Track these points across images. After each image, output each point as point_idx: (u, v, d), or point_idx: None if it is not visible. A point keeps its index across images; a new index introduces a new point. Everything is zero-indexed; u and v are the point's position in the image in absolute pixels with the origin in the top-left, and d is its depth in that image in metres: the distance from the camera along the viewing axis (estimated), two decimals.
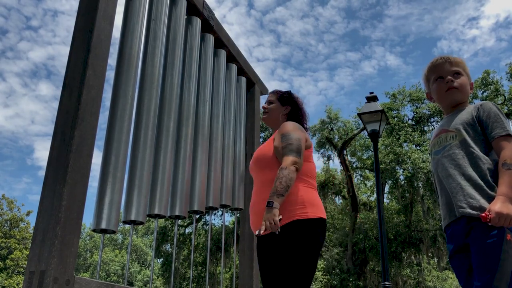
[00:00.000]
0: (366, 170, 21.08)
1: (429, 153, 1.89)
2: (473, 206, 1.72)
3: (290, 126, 2.46)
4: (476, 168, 1.79)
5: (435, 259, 19.60)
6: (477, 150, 1.81)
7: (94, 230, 2.23)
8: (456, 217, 1.79)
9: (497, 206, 1.63)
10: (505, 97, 18.93)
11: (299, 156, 2.28)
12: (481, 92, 19.58)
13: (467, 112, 1.92)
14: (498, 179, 1.72)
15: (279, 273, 2.14)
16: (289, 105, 2.76)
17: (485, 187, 1.74)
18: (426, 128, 19.83)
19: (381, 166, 16.35)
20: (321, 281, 16.33)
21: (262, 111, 2.78)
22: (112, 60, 3.08)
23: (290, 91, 2.86)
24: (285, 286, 2.09)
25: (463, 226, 1.76)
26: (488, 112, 1.85)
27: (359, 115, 8.38)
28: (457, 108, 2.01)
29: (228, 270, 21.01)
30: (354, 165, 20.98)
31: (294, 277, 2.08)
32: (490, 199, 1.71)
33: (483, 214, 1.65)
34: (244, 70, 3.86)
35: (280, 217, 2.16)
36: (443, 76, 2.02)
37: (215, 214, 19.14)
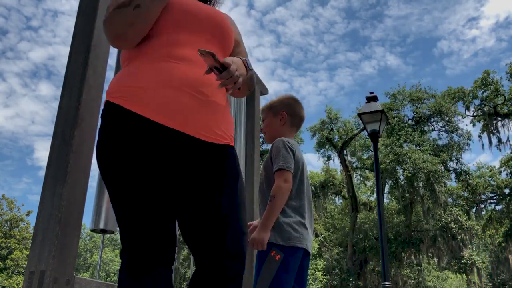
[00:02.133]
0: (366, 170, 21.09)
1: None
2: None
3: None
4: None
5: (435, 259, 19.60)
6: (266, 190, 2.07)
7: (93, 230, 2.23)
8: None
9: (254, 233, 1.94)
10: (505, 97, 18.93)
11: None
12: (481, 92, 19.58)
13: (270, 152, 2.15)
14: None
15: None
16: None
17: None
18: (426, 128, 19.84)
19: (381, 166, 16.36)
20: (321, 281, 16.33)
21: None
22: (112, 60, 3.08)
23: None
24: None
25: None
26: (274, 149, 2.07)
27: (359, 115, 8.38)
28: None
29: None
30: (354, 165, 20.99)
31: None
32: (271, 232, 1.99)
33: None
34: None
35: None
36: None
37: None
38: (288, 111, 2.23)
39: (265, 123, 2.29)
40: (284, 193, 1.95)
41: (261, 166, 2.19)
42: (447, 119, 19.35)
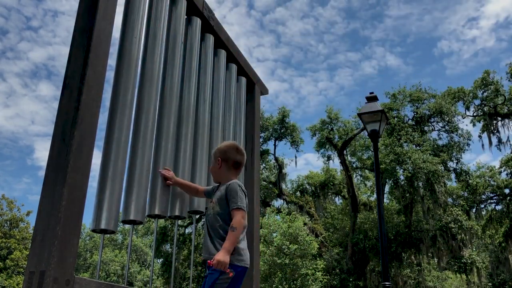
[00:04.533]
0: (366, 170, 21.07)
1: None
2: (210, 255, 2.51)
3: None
4: (219, 233, 2.53)
5: (435, 259, 19.59)
6: (221, 220, 2.56)
7: (93, 230, 2.23)
8: (204, 258, 2.58)
9: (219, 256, 2.38)
10: (505, 97, 18.92)
11: None
12: (481, 92, 19.57)
13: (223, 189, 2.62)
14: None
15: None
16: None
17: (221, 246, 2.49)
18: (426, 128, 19.83)
19: (381, 166, 16.34)
20: (321, 281, 16.32)
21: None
22: (112, 60, 3.08)
23: None
24: None
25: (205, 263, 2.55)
26: (230, 190, 2.58)
27: (359, 115, 8.37)
28: (220, 184, 2.73)
29: None
30: (354, 165, 20.97)
31: None
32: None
33: (209, 261, 2.42)
34: (244, 70, 3.86)
35: None
36: None
37: None
38: (222, 157, 2.71)
39: (210, 165, 2.77)
40: (243, 227, 2.52)
41: (215, 198, 2.64)
42: (447, 119, 19.34)
